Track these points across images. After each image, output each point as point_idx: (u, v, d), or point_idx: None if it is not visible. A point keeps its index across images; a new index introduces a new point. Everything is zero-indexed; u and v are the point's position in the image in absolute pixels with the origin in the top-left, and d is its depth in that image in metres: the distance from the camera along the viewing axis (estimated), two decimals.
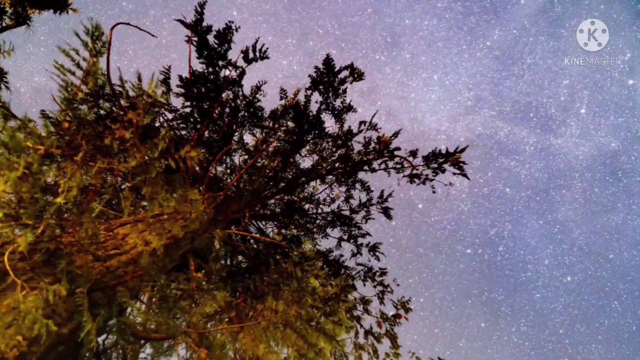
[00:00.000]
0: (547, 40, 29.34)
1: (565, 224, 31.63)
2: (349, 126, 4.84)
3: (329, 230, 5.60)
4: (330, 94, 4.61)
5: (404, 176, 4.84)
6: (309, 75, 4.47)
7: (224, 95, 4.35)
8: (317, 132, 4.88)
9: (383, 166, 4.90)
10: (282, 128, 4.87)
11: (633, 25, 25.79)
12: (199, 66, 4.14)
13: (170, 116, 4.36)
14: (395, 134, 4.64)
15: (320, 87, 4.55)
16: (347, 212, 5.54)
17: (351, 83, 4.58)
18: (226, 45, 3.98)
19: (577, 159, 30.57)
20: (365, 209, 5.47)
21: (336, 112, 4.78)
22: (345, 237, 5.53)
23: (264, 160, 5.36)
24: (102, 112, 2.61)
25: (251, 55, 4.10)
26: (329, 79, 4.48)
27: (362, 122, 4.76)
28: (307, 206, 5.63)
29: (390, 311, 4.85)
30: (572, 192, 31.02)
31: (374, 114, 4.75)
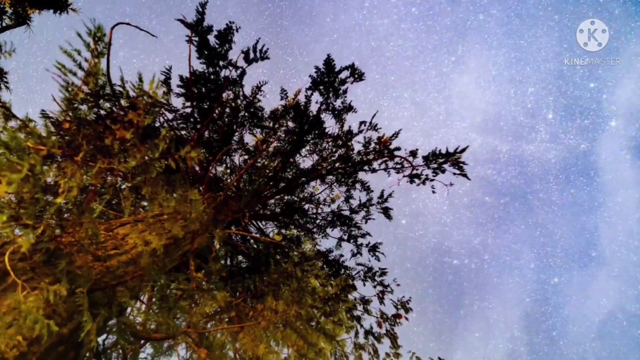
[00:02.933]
0: (509, 52, 30.76)
1: (546, 227, 32.45)
2: (349, 126, 4.84)
3: (329, 230, 5.60)
4: (330, 94, 4.61)
5: (404, 176, 4.84)
6: (310, 76, 4.47)
7: (224, 95, 4.35)
8: (317, 132, 4.88)
9: (383, 166, 4.90)
10: (282, 128, 4.87)
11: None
12: (199, 66, 4.15)
13: (170, 116, 4.36)
14: (396, 134, 4.64)
15: (321, 87, 4.55)
16: (347, 212, 5.55)
17: (352, 83, 4.58)
18: (227, 45, 3.98)
19: (550, 163, 31.62)
20: (365, 209, 5.47)
21: (336, 112, 4.78)
22: (345, 237, 5.53)
23: (264, 160, 5.36)
24: (102, 112, 2.61)
25: (252, 55, 4.11)
26: (329, 79, 4.48)
27: (362, 122, 4.77)
28: (307, 206, 5.64)
29: (391, 311, 4.85)
30: (549, 195, 32.04)
31: (375, 114, 4.75)
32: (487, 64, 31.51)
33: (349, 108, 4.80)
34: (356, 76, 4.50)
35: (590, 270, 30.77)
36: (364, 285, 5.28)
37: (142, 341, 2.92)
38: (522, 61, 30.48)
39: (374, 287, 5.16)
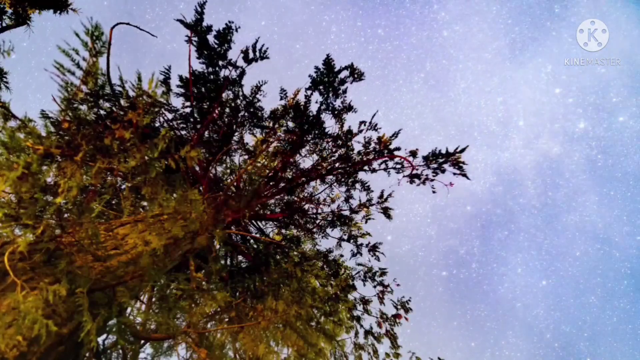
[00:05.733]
0: (475, 65, 32.62)
1: (528, 231, 33.45)
2: (349, 126, 4.84)
3: (329, 230, 5.60)
4: (330, 94, 4.61)
5: (404, 176, 4.84)
6: (309, 76, 4.47)
7: (224, 95, 4.35)
8: (317, 132, 4.88)
9: (383, 166, 4.90)
10: (282, 128, 4.87)
11: (547, 40, 29.21)
12: (199, 66, 4.15)
13: (170, 116, 4.36)
14: (396, 134, 4.64)
15: (320, 87, 4.55)
16: (347, 212, 5.54)
17: (351, 83, 4.58)
18: (226, 45, 3.98)
19: (526, 168, 33.01)
20: (365, 209, 5.46)
21: (336, 112, 4.78)
22: (345, 237, 5.53)
23: (264, 160, 5.36)
24: (102, 112, 2.61)
25: (251, 55, 4.10)
26: (329, 79, 4.48)
27: (362, 122, 4.76)
28: (307, 206, 5.63)
29: (391, 311, 4.85)
30: (529, 200, 33.30)
31: (374, 114, 4.74)
32: (455, 77, 33.45)
33: (349, 108, 4.80)
34: (355, 76, 4.49)
35: (576, 269, 31.58)
36: (364, 285, 5.28)
37: (142, 341, 2.92)
38: (488, 72, 32.53)
39: (374, 287, 5.16)
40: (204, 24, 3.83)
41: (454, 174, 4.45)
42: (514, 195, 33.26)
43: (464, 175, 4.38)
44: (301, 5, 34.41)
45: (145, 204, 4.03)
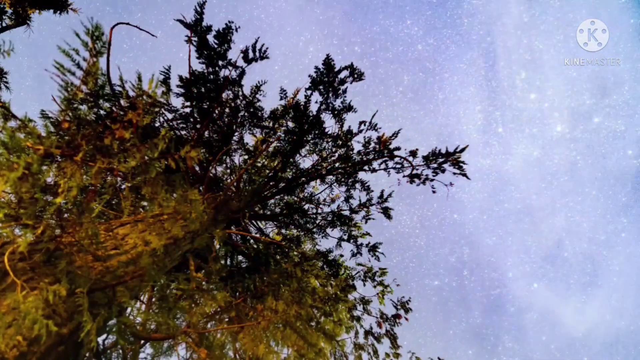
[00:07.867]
0: (451, 76, 33.52)
1: (516, 235, 34.03)
2: (349, 126, 4.84)
3: (329, 230, 5.60)
4: (330, 94, 4.61)
5: (404, 176, 4.84)
6: (309, 75, 4.47)
7: (224, 95, 4.35)
8: (317, 132, 4.88)
9: (383, 166, 4.90)
10: (282, 128, 4.87)
11: (519, 49, 29.99)
12: (199, 66, 4.15)
13: (170, 116, 4.36)
14: (395, 134, 4.64)
15: (320, 87, 4.55)
16: (347, 212, 5.54)
17: (351, 83, 4.58)
18: (226, 45, 3.98)
19: (508, 173, 33.73)
20: (365, 209, 5.47)
21: (336, 112, 4.78)
22: (345, 237, 5.53)
23: (264, 160, 5.36)
24: (102, 112, 2.61)
25: (251, 55, 4.10)
26: (329, 79, 4.48)
27: (362, 122, 4.76)
28: (307, 206, 5.63)
29: (390, 311, 4.85)
30: (514, 204, 33.87)
31: (374, 114, 4.74)
32: (433, 88, 34.40)
33: (349, 108, 4.80)
34: (355, 76, 4.50)
35: (566, 270, 32.01)
36: (364, 285, 5.28)
37: (142, 341, 2.92)
38: (465, 82, 33.38)
39: (374, 287, 5.16)
40: (204, 24, 3.83)
41: (454, 173, 4.45)
42: (498, 201, 33.93)
43: (464, 174, 4.38)
44: (277, 27, 35.34)
45: (145, 204, 4.03)
